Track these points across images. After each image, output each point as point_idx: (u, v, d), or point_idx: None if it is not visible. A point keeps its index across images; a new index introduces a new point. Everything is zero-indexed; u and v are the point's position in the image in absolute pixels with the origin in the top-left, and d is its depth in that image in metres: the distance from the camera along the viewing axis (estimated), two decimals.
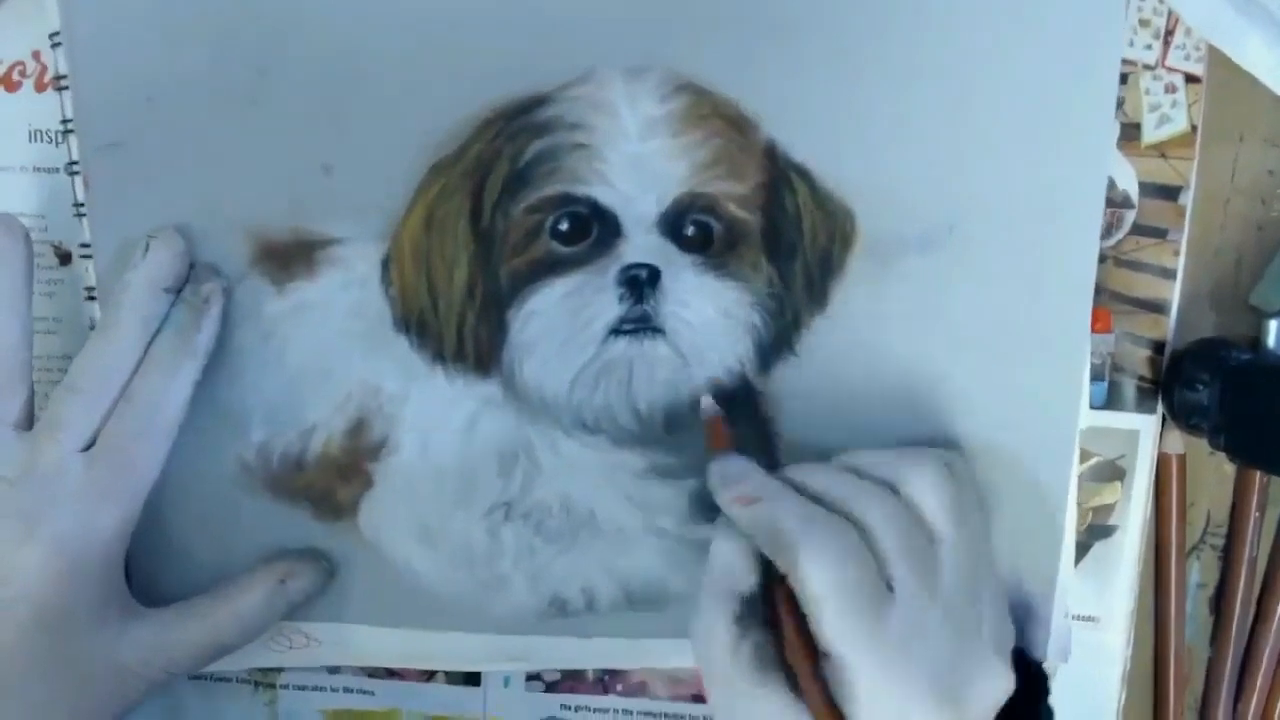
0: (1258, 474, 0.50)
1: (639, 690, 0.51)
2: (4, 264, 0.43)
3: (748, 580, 0.41)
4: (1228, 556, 0.51)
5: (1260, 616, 0.52)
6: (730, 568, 0.41)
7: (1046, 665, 0.48)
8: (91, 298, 0.47)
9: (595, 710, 0.52)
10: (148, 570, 0.47)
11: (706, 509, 0.47)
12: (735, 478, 0.42)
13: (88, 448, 0.42)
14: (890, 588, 0.39)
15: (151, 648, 0.44)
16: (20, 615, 0.42)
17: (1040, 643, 0.48)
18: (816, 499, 0.41)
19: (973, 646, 0.39)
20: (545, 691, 0.51)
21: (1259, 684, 0.52)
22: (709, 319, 0.45)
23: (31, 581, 0.42)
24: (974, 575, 0.41)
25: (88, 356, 0.43)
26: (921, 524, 0.40)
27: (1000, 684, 0.40)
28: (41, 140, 0.48)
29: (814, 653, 0.38)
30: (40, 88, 0.48)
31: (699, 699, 0.51)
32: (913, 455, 0.42)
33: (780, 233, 0.45)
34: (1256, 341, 0.48)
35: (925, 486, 0.41)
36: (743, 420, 0.46)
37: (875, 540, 0.39)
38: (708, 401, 0.45)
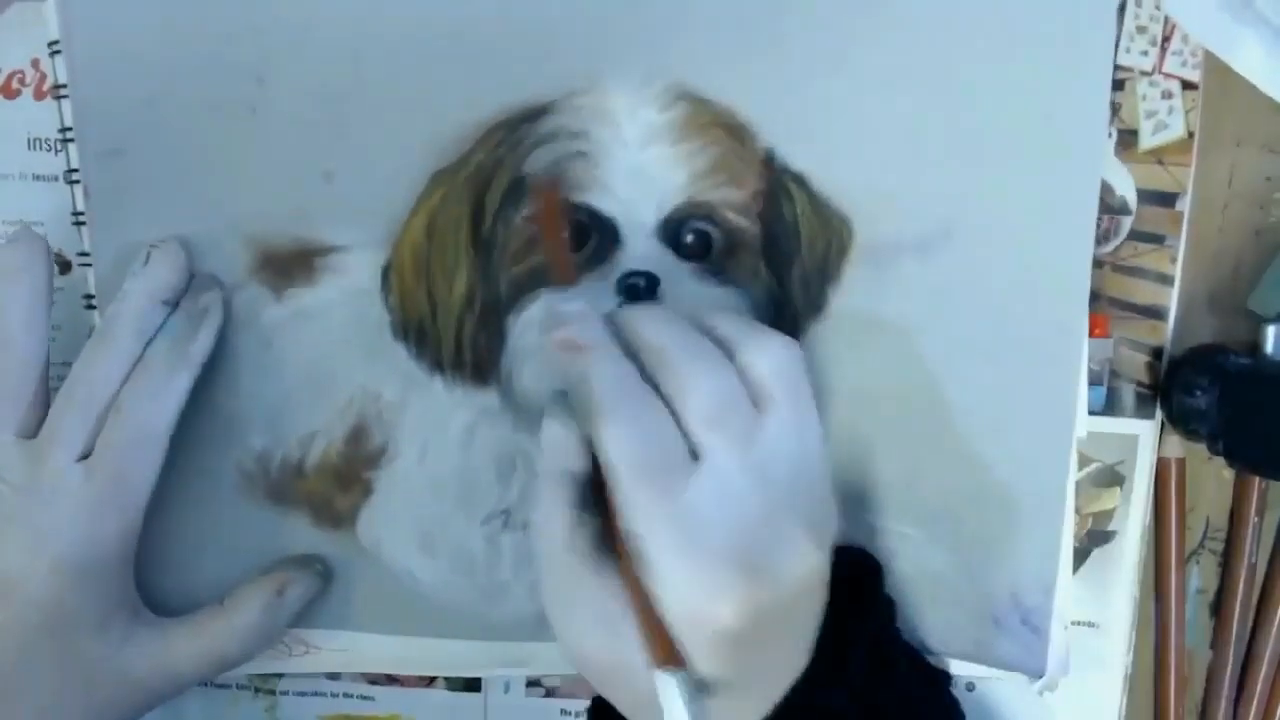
0: (1256, 479, 0.50)
1: None
2: (23, 277, 0.43)
3: (580, 460, 0.39)
4: (1227, 561, 0.51)
5: (1260, 621, 0.52)
6: (561, 446, 0.39)
7: (1047, 678, 0.48)
8: (91, 306, 0.47)
9: None
10: (149, 576, 0.47)
11: None
12: (566, 318, 0.39)
13: (86, 457, 0.42)
14: (695, 455, 0.37)
15: (157, 658, 0.45)
16: (29, 620, 0.42)
17: (1039, 655, 0.48)
18: (641, 353, 0.39)
19: (780, 519, 0.37)
20: (545, 697, 0.51)
21: (1259, 688, 0.52)
22: None
23: (39, 588, 0.42)
24: (796, 453, 0.38)
25: (83, 366, 0.43)
26: (745, 391, 0.38)
27: (807, 560, 0.37)
28: (40, 148, 0.48)
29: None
30: (39, 96, 0.48)
31: None
32: (759, 326, 0.40)
33: (778, 240, 0.45)
34: (1255, 347, 0.48)
35: (762, 352, 0.38)
36: None
37: (687, 403, 0.37)
38: (540, 179, 0.44)
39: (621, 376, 0.38)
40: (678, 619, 0.36)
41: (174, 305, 0.44)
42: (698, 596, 0.36)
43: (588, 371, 0.38)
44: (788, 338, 0.39)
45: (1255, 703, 0.52)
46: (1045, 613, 0.47)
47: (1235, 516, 0.51)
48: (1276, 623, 0.51)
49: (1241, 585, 0.51)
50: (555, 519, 0.39)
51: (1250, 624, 0.52)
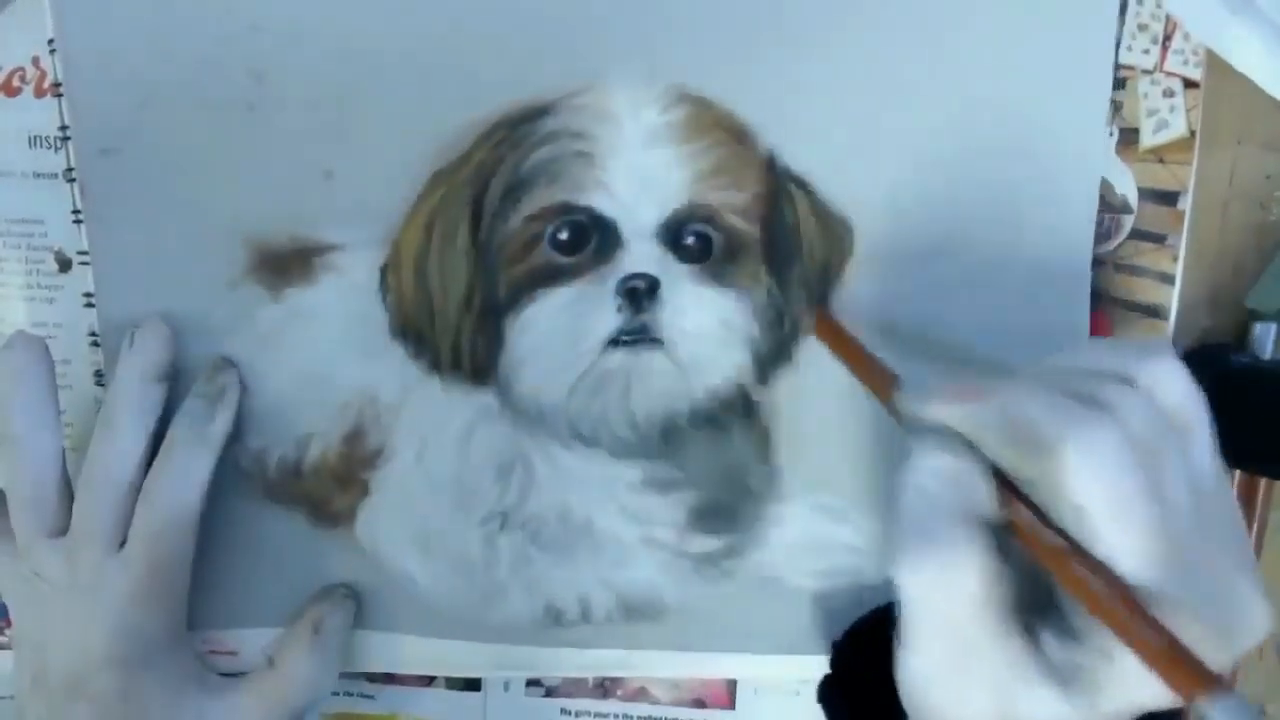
0: (1235, 476, 0.50)
1: (639, 695, 0.51)
2: (27, 381, 0.43)
3: (992, 503, 0.33)
4: None
5: None
6: (965, 485, 0.33)
7: None
8: (90, 305, 0.47)
9: (595, 715, 0.52)
10: None
11: (704, 520, 0.47)
12: (941, 382, 0.34)
13: (124, 543, 0.43)
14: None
15: None
16: (109, 715, 0.42)
17: None
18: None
19: (1234, 565, 0.32)
20: (545, 696, 0.51)
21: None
22: (708, 329, 0.45)
23: (104, 682, 0.42)
24: (1224, 478, 0.33)
25: (94, 455, 0.44)
26: (1167, 419, 0.33)
27: (1264, 617, 0.31)
28: (41, 146, 0.48)
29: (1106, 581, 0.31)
30: (40, 94, 0.47)
31: (700, 703, 0.51)
32: (1141, 343, 0.36)
33: (779, 243, 0.45)
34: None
35: (1163, 374, 0.33)
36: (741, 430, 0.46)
37: (1133, 437, 0.31)
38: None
39: (1065, 403, 0.32)
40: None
41: (168, 381, 0.45)
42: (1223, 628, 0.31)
43: (1020, 407, 0.32)
44: (1171, 349, 0.34)
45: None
46: None
47: None
48: None
49: None
50: (967, 572, 0.32)
51: None
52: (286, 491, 0.47)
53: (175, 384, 0.45)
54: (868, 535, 0.47)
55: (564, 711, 0.52)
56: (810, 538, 0.47)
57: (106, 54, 0.45)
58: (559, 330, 0.45)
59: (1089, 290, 0.45)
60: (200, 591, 0.46)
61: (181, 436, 0.44)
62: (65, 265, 0.48)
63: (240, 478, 0.47)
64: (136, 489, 0.44)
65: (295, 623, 0.47)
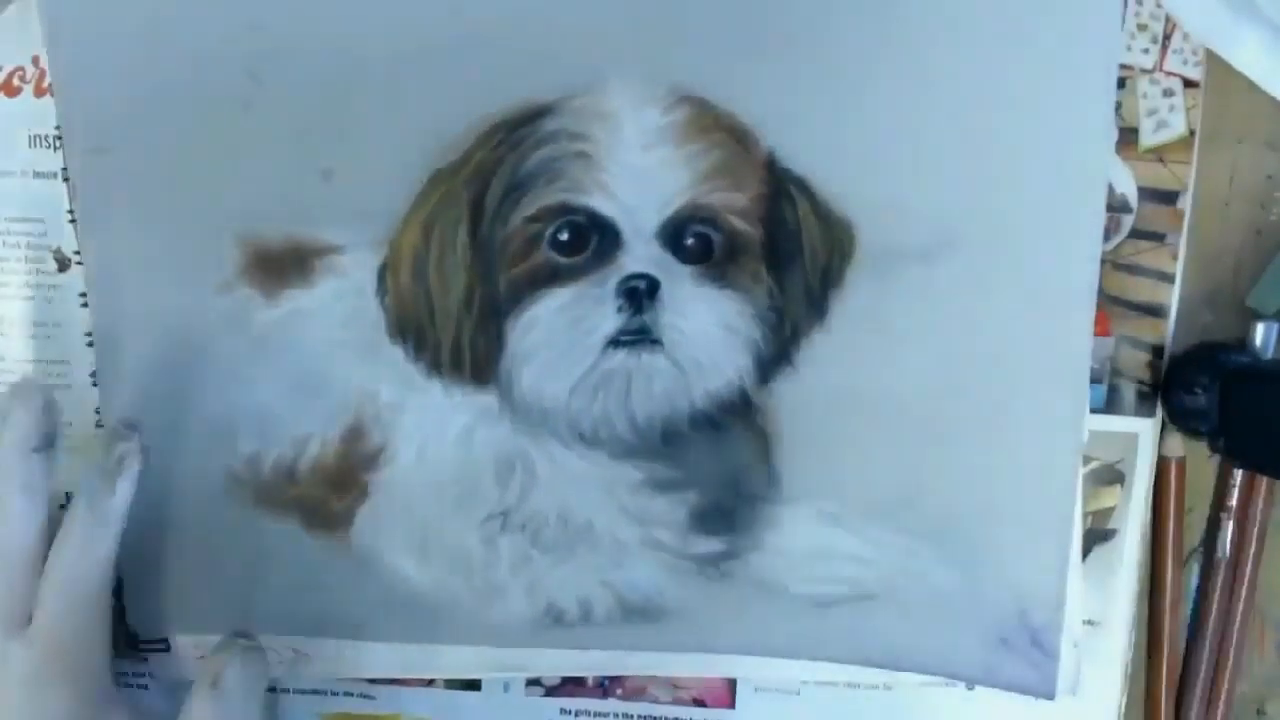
0: (1237, 475, 0.50)
1: (639, 694, 0.51)
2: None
3: None
4: (1205, 558, 0.51)
5: (1228, 619, 0.51)
6: None
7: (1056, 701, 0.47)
8: (86, 304, 0.47)
9: (595, 715, 0.52)
10: (139, 585, 0.47)
11: (705, 522, 0.47)
12: None
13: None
14: None
15: None
16: None
17: (1049, 676, 0.47)
18: None
19: None
20: (545, 696, 0.52)
21: (1224, 688, 0.52)
22: (708, 331, 0.45)
23: None
24: None
25: None
26: None
27: None
28: (41, 145, 0.48)
29: None
30: (40, 93, 0.47)
31: (700, 703, 0.51)
32: None
33: (780, 244, 0.45)
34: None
35: None
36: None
37: None
38: None
39: None
40: None
41: (48, 450, 0.43)
42: None
43: None
44: None
45: (1223, 701, 0.52)
46: (1055, 630, 0.47)
47: (1210, 513, 0.51)
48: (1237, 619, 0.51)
49: (1219, 583, 0.51)
50: None
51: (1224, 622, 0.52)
52: (280, 497, 0.47)
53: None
54: (866, 540, 0.47)
55: (564, 711, 0.52)
56: (810, 541, 0.47)
57: (98, 51, 0.44)
58: (559, 331, 0.45)
59: (1094, 292, 0.45)
60: (190, 600, 0.46)
61: (80, 515, 0.43)
62: (64, 265, 0.48)
63: (233, 485, 0.47)
64: (40, 561, 0.42)
65: (198, 675, 0.45)
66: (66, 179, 0.46)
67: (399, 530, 0.47)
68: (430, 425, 0.47)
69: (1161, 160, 0.48)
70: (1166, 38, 0.47)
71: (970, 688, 0.50)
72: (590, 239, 0.44)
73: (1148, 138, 0.48)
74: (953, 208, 0.45)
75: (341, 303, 0.46)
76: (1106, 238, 0.48)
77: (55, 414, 0.43)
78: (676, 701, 0.51)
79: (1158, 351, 0.49)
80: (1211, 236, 0.49)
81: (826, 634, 0.48)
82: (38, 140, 0.48)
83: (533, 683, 0.52)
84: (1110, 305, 0.48)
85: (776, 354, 0.46)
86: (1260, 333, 0.48)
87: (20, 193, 0.48)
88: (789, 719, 0.51)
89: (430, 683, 0.52)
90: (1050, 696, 0.47)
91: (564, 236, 0.44)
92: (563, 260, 0.44)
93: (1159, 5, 0.46)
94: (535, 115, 0.44)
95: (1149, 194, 0.48)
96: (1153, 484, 0.50)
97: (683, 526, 0.47)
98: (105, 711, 0.44)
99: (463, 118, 0.44)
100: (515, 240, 0.44)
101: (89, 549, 0.43)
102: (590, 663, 0.49)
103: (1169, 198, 0.48)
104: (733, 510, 0.47)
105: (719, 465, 0.47)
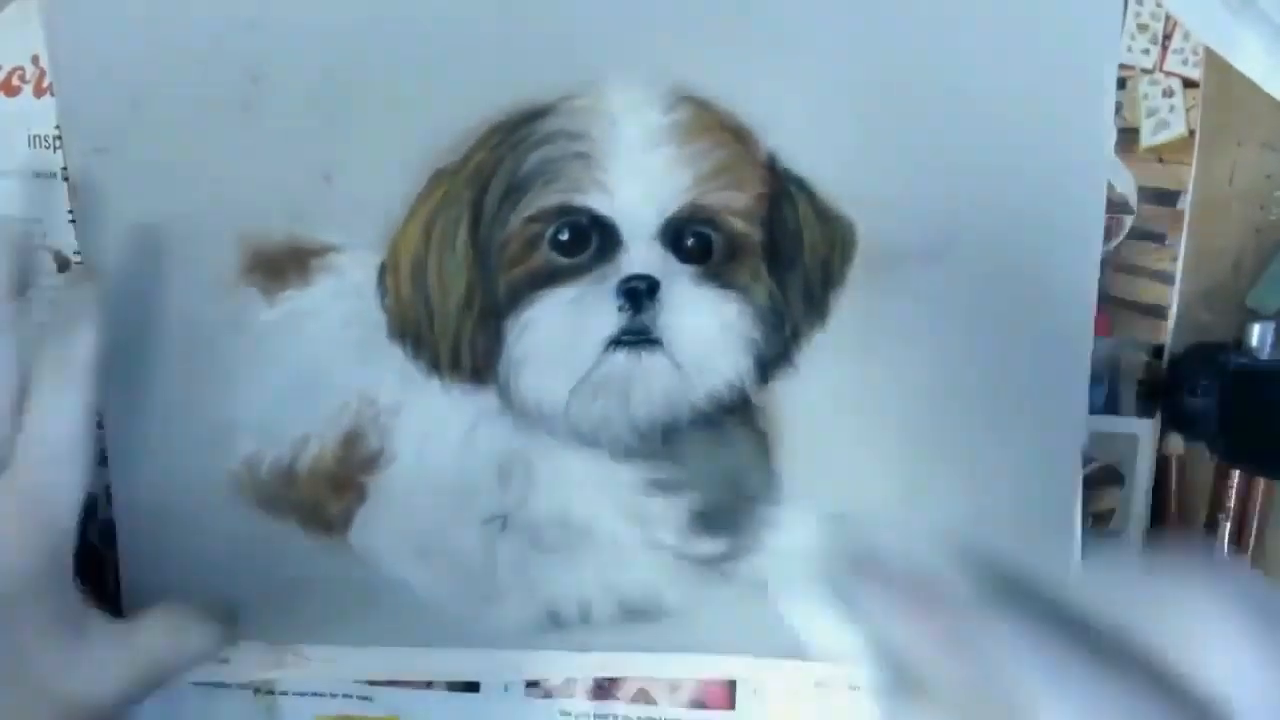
0: (1234, 477, 0.50)
1: (639, 696, 0.51)
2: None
3: None
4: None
5: None
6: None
7: None
8: None
9: (595, 716, 0.51)
10: (137, 584, 0.47)
11: (705, 523, 0.47)
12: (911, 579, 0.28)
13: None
14: None
15: (96, 671, 0.42)
16: None
17: None
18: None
19: None
20: (545, 697, 0.51)
21: None
22: (708, 331, 0.45)
23: None
24: None
25: None
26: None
27: None
28: (40, 145, 0.48)
29: None
30: (39, 93, 0.47)
31: (698, 704, 0.51)
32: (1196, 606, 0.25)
33: (780, 245, 0.45)
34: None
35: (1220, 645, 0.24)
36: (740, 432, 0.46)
37: None
38: None
39: (1063, 659, 0.25)
40: None
41: (22, 293, 0.41)
42: None
43: (983, 653, 0.25)
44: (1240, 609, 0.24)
45: None
46: None
47: (1208, 514, 0.51)
48: None
49: None
50: None
51: None
52: (279, 499, 0.47)
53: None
54: (870, 546, 0.47)
55: (563, 713, 0.52)
56: (810, 541, 0.47)
57: (98, 51, 0.45)
58: (559, 331, 0.44)
59: (1095, 291, 0.45)
60: (188, 599, 0.46)
61: (47, 370, 0.41)
62: (64, 265, 0.48)
63: (231, 486, 0.47)
64: (17, 409, 0.41)
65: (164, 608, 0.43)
66: (66, 179, 0.46)
67: (398, 532, 0.47)
68: (430, 426, 0.47)
69: (1161, 160, 0.48)
70: (1166, 38, 0.47)
71: None
72: (590, 239, 0.44)
73: (1148, 138, 0.48)
74: (952, 206, 0.45)
75: (341, 303, 0.46)
76: (1106, 238, 0.48)
77: (28, 256, 0.42)
78: (676, 703, 0.51)
79: (1158, 352, 0.49)
80: (1211, 236, 0.49)
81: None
82: (38, 140, 0.48)
83: (532, 684, 0.51)
84: (1110, 305, 0.48)
85: (777, 354, 0.46)
86: (1259, 333, 0.48)
87: (20, 193, 0.48)
88: (789, 719, 0.51)
89: (429, 684, 0.52)
90: None
91: (564, 237, 0.44)
92: (563, 261, 0.44)
93: (1159, 5, 0.46)
94: (535, 116, 0.44)
95: (1149, 194, 0.48)
96: (1153, 484, 0.50)
97: (683, 527, 0.47)
98: (71, 580, 0.43)
99: (462, 118, 0.44)
100: (515, 241, 0.44)
101: (59, 407, 0.41)
102: (590, 664, 0.49)
103: (1169, 198, 0.48)
104: (732, 511, 0.47)
105: (719, 466, 0.47)
